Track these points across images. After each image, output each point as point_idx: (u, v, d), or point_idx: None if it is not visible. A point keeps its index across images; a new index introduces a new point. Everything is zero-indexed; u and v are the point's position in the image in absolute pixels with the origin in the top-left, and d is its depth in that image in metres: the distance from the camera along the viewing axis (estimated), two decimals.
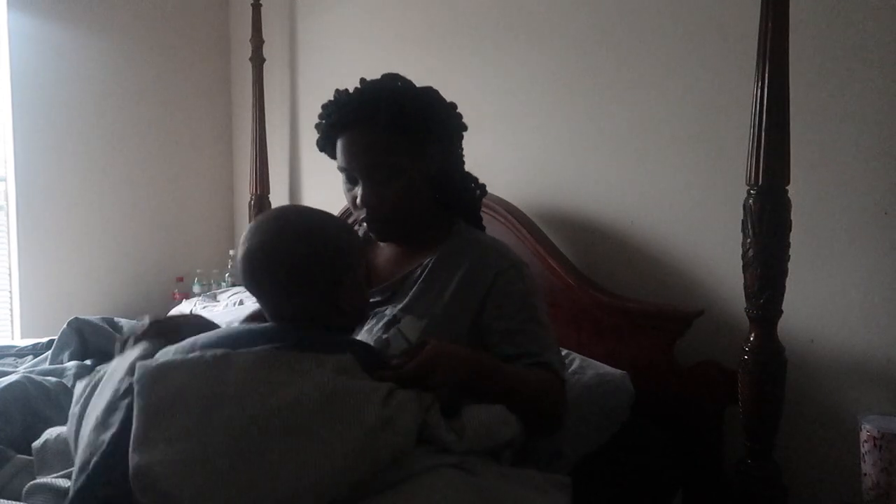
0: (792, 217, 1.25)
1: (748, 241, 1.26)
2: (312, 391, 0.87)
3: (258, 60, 2.73)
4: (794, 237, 1.26)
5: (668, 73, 1.69)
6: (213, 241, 3.04)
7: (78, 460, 0.95)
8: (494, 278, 1.22)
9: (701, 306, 1.57)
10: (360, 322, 1.20)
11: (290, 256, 1.00)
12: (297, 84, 2.80)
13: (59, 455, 1.10)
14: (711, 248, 1.63)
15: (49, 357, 1.71)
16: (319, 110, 1.28)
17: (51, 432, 1.17)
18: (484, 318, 1.22)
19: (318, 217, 1.07)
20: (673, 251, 1.70)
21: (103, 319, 1.80)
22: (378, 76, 1.26)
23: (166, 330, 1.12)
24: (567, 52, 1.89)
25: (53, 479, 1.03)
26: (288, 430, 0.85)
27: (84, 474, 0.91)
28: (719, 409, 1.51)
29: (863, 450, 1.27)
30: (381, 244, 1.36)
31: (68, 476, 1.00)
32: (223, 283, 2.76)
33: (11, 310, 2.64)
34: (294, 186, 2.86)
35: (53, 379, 1.48)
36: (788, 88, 1.22)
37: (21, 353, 1.87)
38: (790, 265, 1.26)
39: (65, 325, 1.72)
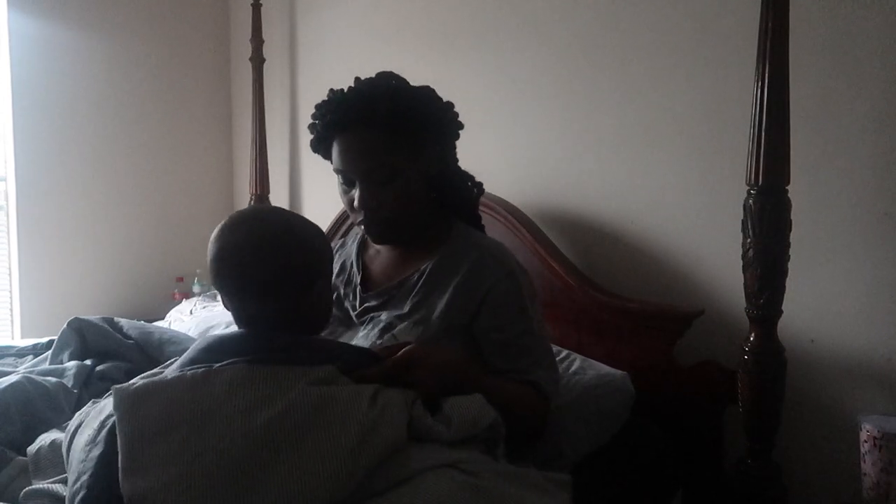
0: (792, 217, 1.25)
1: (748, 241, 1.26)
2: (301, 402, 0.88)
3: (258, 60, 2.73)
4: (794, 237, 1.26)
5: (668, 72, 1.69)
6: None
7: (73, 473, 0.95)
8: (490, 287, 1.21)
9: (701, 306, 1.57)
10: (323, 328, 1.17)
11: (262, 261, 0.99)
12: (297, 84, 2.80)
13: (53, 463, 1.09)
14: (711, 248, 1.63)
15: (49, 357, 1.71)
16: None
17: (44, 438, 1.16)
18: (479, 325, 1.22)
19: (292, 221, 1.06)
20: (673, 251, 1.70)
21: (103, 319, 1.79)
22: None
23: None
24: (567, 50, 1.88)
25: (50, 485, 1.02)
26: (281, 440, 0.85)
27: (77, 498, 0.90)
28: (719, 409, 1.50)
29: (863, 450, 1.27)
30: (378, 247, 1.35)
31: (64, 482, 0.99)
32: None
33: (11, 310, 2.65)
34: (294, 186, 2.86)
35: (53, 379, 1.47)
36: (788, 88, 1.22)
37: (21, 353, 1.87)
38: (790, 265, 1.26)
39: (65, 325, 1.72)
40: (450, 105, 1.28)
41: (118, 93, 2.77)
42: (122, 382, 0.98)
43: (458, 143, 1.33)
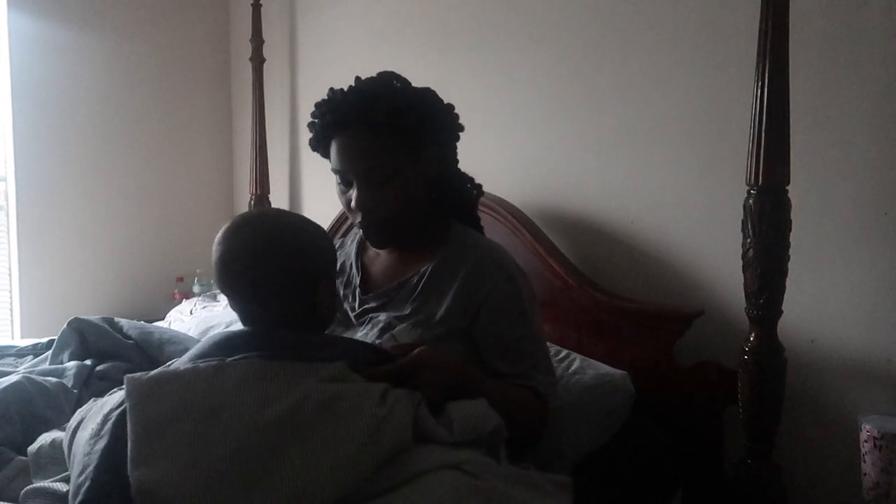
0: (792, 217, 1.25)
1: (748, 241, 1.26)
2: (311, 397, 0.88)
3: (258, 60, 2.73)
4: (794, 237, 1.26)
5: (668, 72, 1.69)
6: (213, 241, 3.03)
7: (77, 466, 0.94)
8: (490, 291, 1.21)
9: (701, 306, 1.57)
10: (328, 326, 1.18)
11: (267, 263, 1.00)
12: (297, 84, 2.80)
13: (54, 461, 1.09)
14: (711, 248, 1.63)
15: (49, 357, 1.71)
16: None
17: (45, 437, 1.16)
18: (478, 329, 1.22)
19: (295, 223, 1.06)
20: (673, 251, 1.70)
21: (103, 319, 1.79)
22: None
23: None
24: (567, 50, 1.88)
25: (51, 484, 1.02)
26: (291, 435, 0.86)
27: (82, 490, 0.90)
28: (719, 409, 1.50)
29: (863, 450, 1.28)
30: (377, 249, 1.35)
31: (65, 480, 0.99)
32: None
33: (11, 310, 2.65)
34: (294, 186, 2.86)
35: (53, 379, 1.47)
36: (788, 88, 1.22)
37: (21, 353, 1.87)
38: (790, 265, 1.26)
39: (65, 325, 1.72)
40: (450, 107, 1.28)
41: (118, 93, 2.77)
42: (122, 383, 0.97)
43: (457, 143, 1.33)
